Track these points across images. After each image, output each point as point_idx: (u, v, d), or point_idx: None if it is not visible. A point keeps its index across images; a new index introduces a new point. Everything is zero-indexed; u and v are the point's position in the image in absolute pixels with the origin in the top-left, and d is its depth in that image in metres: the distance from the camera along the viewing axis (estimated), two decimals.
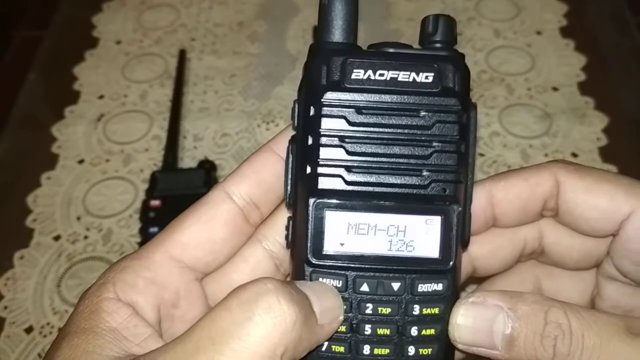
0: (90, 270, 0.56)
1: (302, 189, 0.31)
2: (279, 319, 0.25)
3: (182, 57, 0.73)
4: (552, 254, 0.36)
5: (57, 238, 0.59)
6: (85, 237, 0.58)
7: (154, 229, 0.55)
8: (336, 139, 0.30)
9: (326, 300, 0.29)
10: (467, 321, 0.30)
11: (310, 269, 0.30)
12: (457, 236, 0.30)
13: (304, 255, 0.30)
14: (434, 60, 0.30)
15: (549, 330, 0.28)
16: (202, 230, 0.32)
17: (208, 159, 0.62)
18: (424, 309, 0.30)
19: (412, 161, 0.30)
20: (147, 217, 0.56)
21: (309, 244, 0.30)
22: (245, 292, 0.26)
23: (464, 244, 0.31)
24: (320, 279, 0.30)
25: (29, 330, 0.53)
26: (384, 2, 0.79)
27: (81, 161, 0.65)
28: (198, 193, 0.57)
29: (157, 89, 0.71)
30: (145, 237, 0.55)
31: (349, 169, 0.30)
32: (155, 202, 0.57)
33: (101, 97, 0.71)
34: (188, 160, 0.64)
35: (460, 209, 0.30)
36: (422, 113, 0.30)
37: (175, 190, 0.57)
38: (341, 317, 0.30)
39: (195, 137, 0.66)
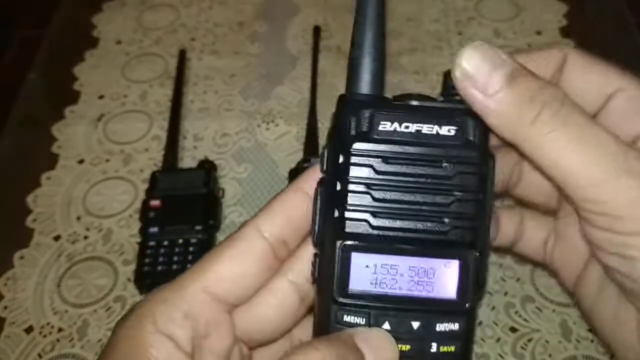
0: (90, 270, 0.56)
1: (329, 231, 0.32)
2: None
3: (182, 57, 0.73)
4: (523, 182, 0.39)
5: (57, 238, 0.59)
6: (85, 237, 0.58)
7: (154, 229, 0.55)
8: (363, 186, 0.32)
9: (382, 354, 0.31)
10: (476, 50, 0.31)
11: (336, 307, 0.32)
12: (473, 280, 0.32)
13: (330, 294, 0.32)
14: (455, 115, 0.32)
15: (544, 92, 0.30)
16: (236, 265, 0.33)
17: (208, 159, 0.62)
18: (441, 347, 0.32)
19: (434, 209, 0.32)
20: (147, 217, 0.56)
21: (335, 283, 0.32)
22: None
23: (480, 286, 0.33)
24: (345, 317, 0.32)
25: (29, 330, 0.53)
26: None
27: (81, 161, 0.65)
28: (198, 193, 0.58)
29: (157, 89, 0.71)
30: (145, 237, 0.55)
31: (374, 214, 0.32)
32: (155, 202, 0.57)
33: (101, 97, 0.71)
34: (188, 160, 0.64)
35: (477, 254, 0.32)
36: (444, 164, 0.32)
37: (175, 190, 0.57)
38: None
39: (195, 137, 0.66)
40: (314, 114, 0.64)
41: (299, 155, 0.61)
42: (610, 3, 0.78)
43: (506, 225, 0.40)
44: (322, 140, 0.63)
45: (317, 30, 0.74)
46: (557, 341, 0.49)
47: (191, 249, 0.54)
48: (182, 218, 0.56)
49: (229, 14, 0.79)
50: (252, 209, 0.60)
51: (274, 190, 0.61)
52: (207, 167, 0.60)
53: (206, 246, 0.55)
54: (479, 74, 0.31)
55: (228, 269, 0.33)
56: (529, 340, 0.49)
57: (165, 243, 0.54)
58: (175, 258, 0.53)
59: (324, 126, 0.65)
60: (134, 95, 0.71)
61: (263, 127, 0.67)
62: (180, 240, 0.54)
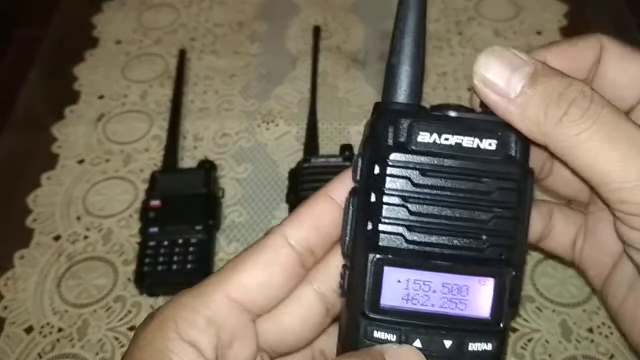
0: (90, 270, 0.56)
1: (361, 243, 0.31)
2: None
3: (182, 57, 0.73)
4: (554, 175, 0.37)
5: (57, 238, 0.59)
6: (85, 237, 0.58)
7: (154, 229, 0.55)
8: (399, 198, 0.31)
9: None
10: (493, 55, 0.30)
11: (366, 322, 0.31)
12: (508, 299, 0.31)
13: (360, 308, 0.31)
14: (497, 128, 0.31)
15: (570, 90, 0.29)
16: (261, 274, 0.32)
17: (208, 159, 0.62)
18: None
19: (472, 225, 0.31)
20: (147, 217, 0.56)
21: (365, 298, 0.31)
22: None
23: (514, 305, 0.32)
24: (376, 332, 0.31)
25: (29, 330, 0.53)
26: (384, 2, 0.79)
27: (81, 161, 0.65)
28: (198, 193, 0.58)
29: (157, 89, 0.71)
30: (145, 237, 0.55)
31: (410, 228, 0.31)
32: (155, 202, 0.57)
33: (101, 97, 0.71)
34: (188, 160, 0.64)
35: (514, 273, 0.31)
36: (484, 179, 0.31)
37: (175, 190, 0.57)
38: None
39: (195, 137, 0.66)
40: (314, 114, 0.64)
41: (299, 155, 0.61)
42: (610, 3, 0.78)
43: (535, 219, 0.38)
44: (322, 140, 0.63)
45: (317, 30, 0.74)
46: (557, 341, 0.49)
47: (191, 249, 0.54)
48: (182, 218, 0.56)
49: (229, 14, 0.79)
50: (252, 209, 0.60)
51: (274, 190, 0.61)
52: (207, 167, 0.60)
53: (206, 246, 0.55)
54: (498, 78, 0.30)
55: (253, 277, 0.32)
56: (529, 340, 0.49)
57: (165, 243, 0.54)
58: (175, 258, 0.53)
59: (324, 126, 0.65)
60: (134, 95, 0.71)
61: (263, 127, 0.67)
62: (180, 240, 0.54)
